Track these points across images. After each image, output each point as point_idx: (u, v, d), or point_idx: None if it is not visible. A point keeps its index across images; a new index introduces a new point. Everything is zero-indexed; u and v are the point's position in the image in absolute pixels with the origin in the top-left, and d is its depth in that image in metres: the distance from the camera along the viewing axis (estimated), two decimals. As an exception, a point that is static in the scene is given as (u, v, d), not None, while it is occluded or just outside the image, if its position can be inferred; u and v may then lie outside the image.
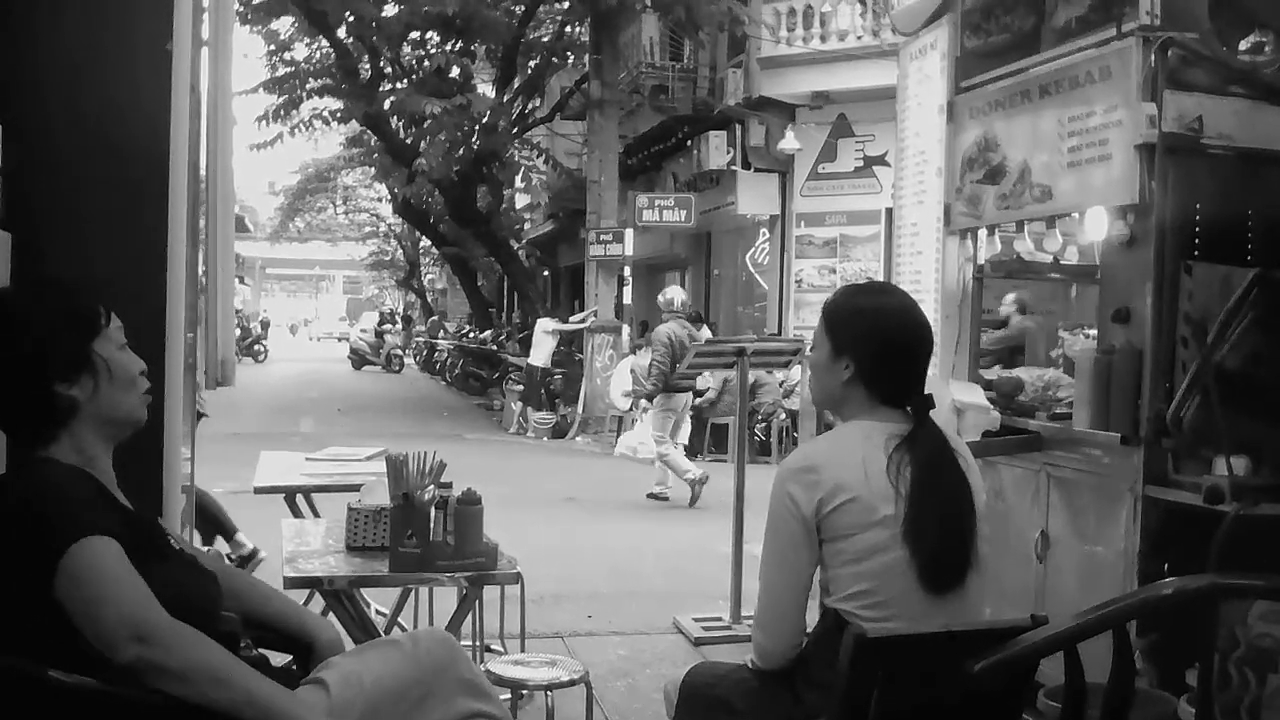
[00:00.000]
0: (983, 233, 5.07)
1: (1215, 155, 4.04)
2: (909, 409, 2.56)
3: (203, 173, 3.42)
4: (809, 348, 7.30)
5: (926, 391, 2.60)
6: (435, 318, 37.05)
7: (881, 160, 15.67)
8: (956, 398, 4.51)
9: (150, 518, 2.45)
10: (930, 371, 2.72)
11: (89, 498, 2.15)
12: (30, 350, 2.17)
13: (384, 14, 19.06)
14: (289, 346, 44.30)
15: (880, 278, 13.94)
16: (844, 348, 2.60)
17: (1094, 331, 5.25)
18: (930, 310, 5.16)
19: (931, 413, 2.58)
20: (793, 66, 16.25)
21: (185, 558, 2.46)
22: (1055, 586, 4.39)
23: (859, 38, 15.67)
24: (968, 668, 2.24)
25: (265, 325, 48.99)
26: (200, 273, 3.45)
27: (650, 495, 10.91)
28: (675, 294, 10.88)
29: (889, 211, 13.78)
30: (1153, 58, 4.00)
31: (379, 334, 34.31)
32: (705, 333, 17.00)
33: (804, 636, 2.57)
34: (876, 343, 2.58)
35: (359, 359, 32.82)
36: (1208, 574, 2.78)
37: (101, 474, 2.28)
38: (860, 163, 16.52)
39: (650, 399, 10.48)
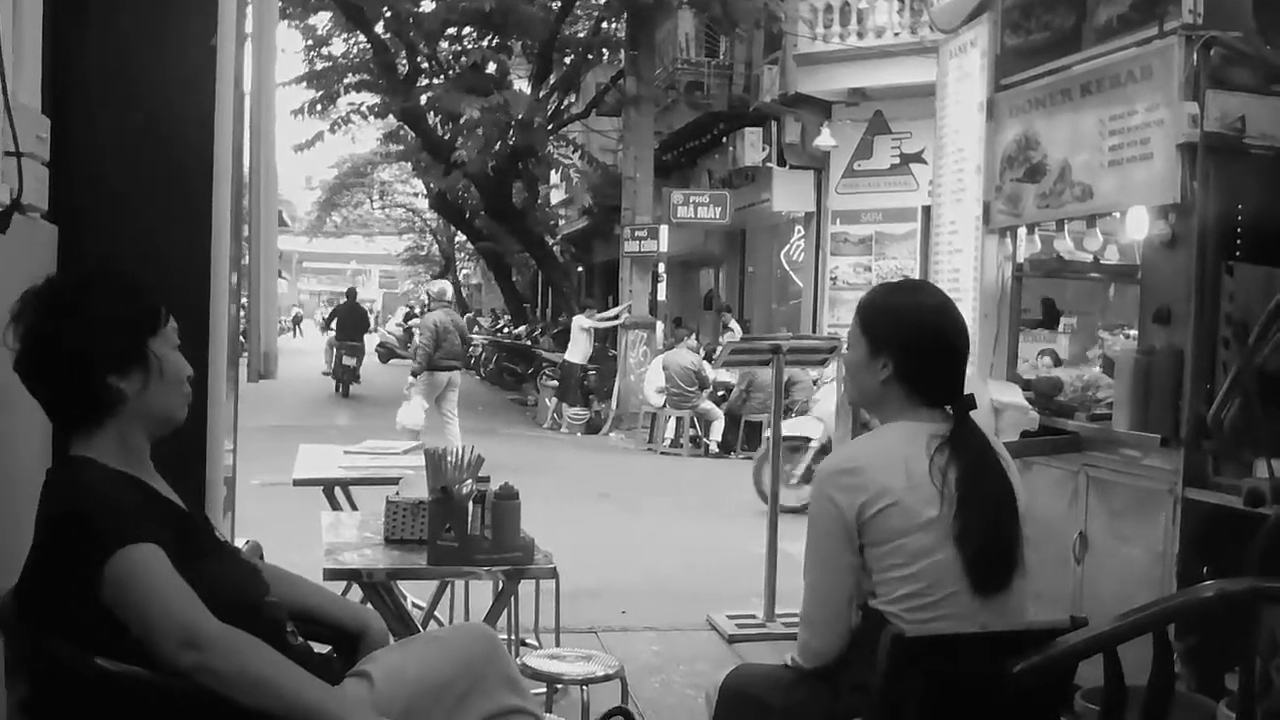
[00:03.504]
0: (1022, 231, 5.05)
1: (1257, 155, 4.00)
2: (949, 409, 2.53)
3: (245, 167, 3.45)
4: (844, 346, 7.24)
5: (966, 391, 2.58)
6: (470, 314, 37.14)
7: (918, 158, 15.60)
8: (995, 397, 4.49)
9: (193, 511, 2.47)
10: (968, 370, 2.70)
11: (132, 503, 2.17)
12: (88, 338, 2.20)
13: (421, 9, 19.14)
14: (311, 339, 44.25)
15: (916, 276, 13.89)
16: (881, 347, 2.56)
17: (1134, 332, 5.22)
18: (968, 309, 5.14)
19: (971, 413, 2.56)
20: (829, 63, 16.18)
21: (228, 549, 2.49)
22: (1093, 588, 4.36)
23: (896, 34, 15.59)
24: (1007, 669, 2.23)
25: (298, 320, 49.06)
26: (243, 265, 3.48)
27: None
28: (444, 286, 12.65)
29: (925, 209, 13.71)
30: (1195, 57, 3.96)
31: (407, 329, 34.37)
32: (735, 328, 17.03)
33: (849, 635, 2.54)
34: (915, 342, 2.55)
35: (387, 352, 32.85)
36: (1248, 578, 2.77)
37: (143, 469, 2.31)
38: (896, 160, 16.44)
39: (415, 375, 11.46)
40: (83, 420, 2.24)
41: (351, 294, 23.84)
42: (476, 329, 31.27)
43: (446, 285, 13.03)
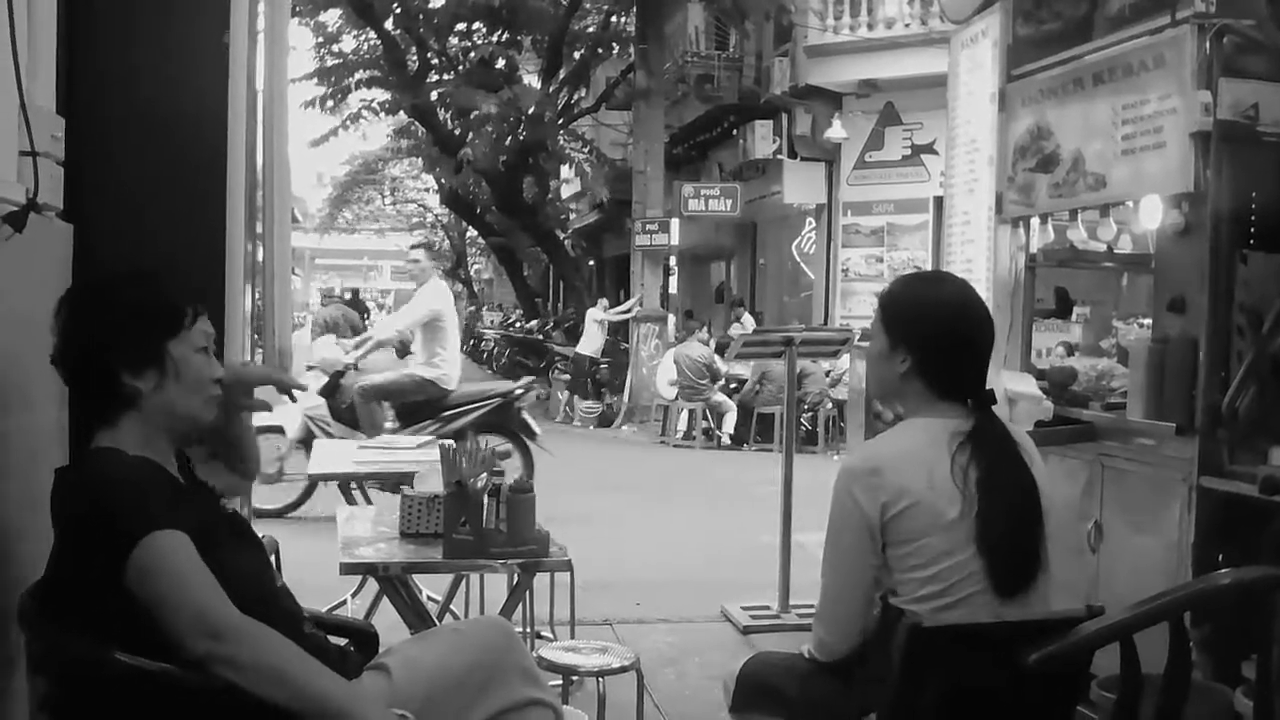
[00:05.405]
0: (1035, 221, 5.03)
1: (1271, 143, 3.97)
2: (970, 403, 2.49)
3: (259, 164, 3.46)
4: (857, 338, 7.20)
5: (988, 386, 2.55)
6: (473, 308, 37.33)
7: (929, 148, 15.57)
8: (1009, 388, 4.49)
9: (210, 494, 2.47)
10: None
11: (156, 490, 2.18)
12: (104, 335, 2.23)
13: (430, 5, 19.15)
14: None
15: (928, 267, 13.86)
16: (900, 340, 2.52)
17: (1148, 321, 5.21)
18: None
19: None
20: (840, 55, 16.15)
21: (244, 533, 2.49)
22: (1109, 577, 4.36)
23: (906, 25, 15.56)
24: (1023, 658, 2.23)
25: (295, 318, 49.73)
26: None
27: None
28: (334, 287, 13.91)
29: (937, 200, 13.69)
30: (1207, 45, 3.94)
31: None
32: (749, 321, 17.03)
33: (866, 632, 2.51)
34: (934, 335, 2.51)
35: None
36: (1264, 565, 2.77)
37: (165, 460, 2.32)
38: (908, 151, 16.41)
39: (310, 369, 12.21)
40: (103, 414, 2.26)
41: (355, 293, 27.50)
42: (484, 324, 31.44)
43: (335, 287, 14.54)
